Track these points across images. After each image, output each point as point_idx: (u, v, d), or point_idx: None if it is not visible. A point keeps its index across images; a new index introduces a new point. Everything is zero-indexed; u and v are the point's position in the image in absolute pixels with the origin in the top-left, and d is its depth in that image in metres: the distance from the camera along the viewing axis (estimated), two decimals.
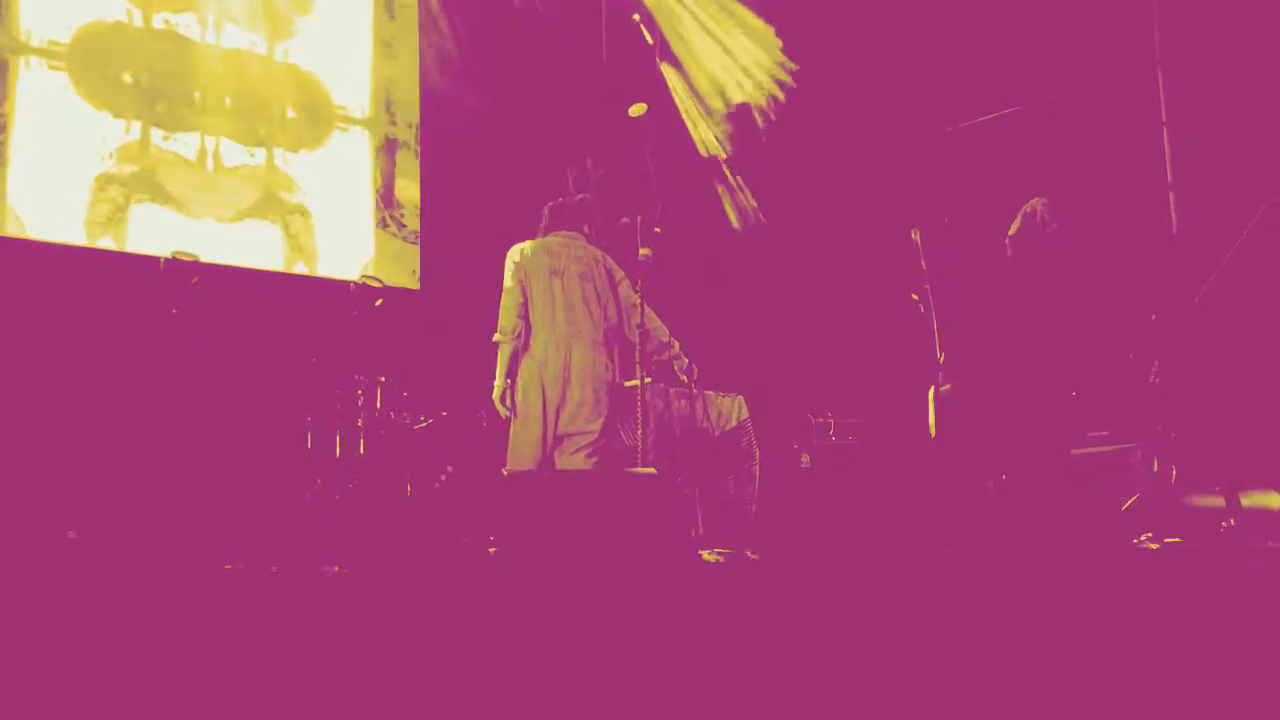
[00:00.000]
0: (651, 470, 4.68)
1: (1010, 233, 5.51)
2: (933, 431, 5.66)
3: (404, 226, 8.09)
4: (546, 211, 5.47)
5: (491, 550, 5.53)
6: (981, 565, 4.89)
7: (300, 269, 7.56)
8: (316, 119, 7.81)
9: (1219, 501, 5.38)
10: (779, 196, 8.60)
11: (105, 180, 6.86)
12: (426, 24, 8.36)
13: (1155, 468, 5.83)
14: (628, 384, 5.44)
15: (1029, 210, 5.50)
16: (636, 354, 5.21)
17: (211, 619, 3.64)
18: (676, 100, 8.83)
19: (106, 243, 6.82)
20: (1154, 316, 6.27)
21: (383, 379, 6.46)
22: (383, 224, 8.02)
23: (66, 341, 6.26)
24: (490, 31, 8.32)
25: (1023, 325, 5.38)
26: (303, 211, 7.63)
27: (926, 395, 5.75)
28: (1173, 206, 7.24)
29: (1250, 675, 2.61)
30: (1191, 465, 5.79)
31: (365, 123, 8.05)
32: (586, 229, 5.40)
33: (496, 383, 5.19)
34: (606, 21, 8.76)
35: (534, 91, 8.25)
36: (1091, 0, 7.44)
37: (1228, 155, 6.89)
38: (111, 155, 6.90)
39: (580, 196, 5.52)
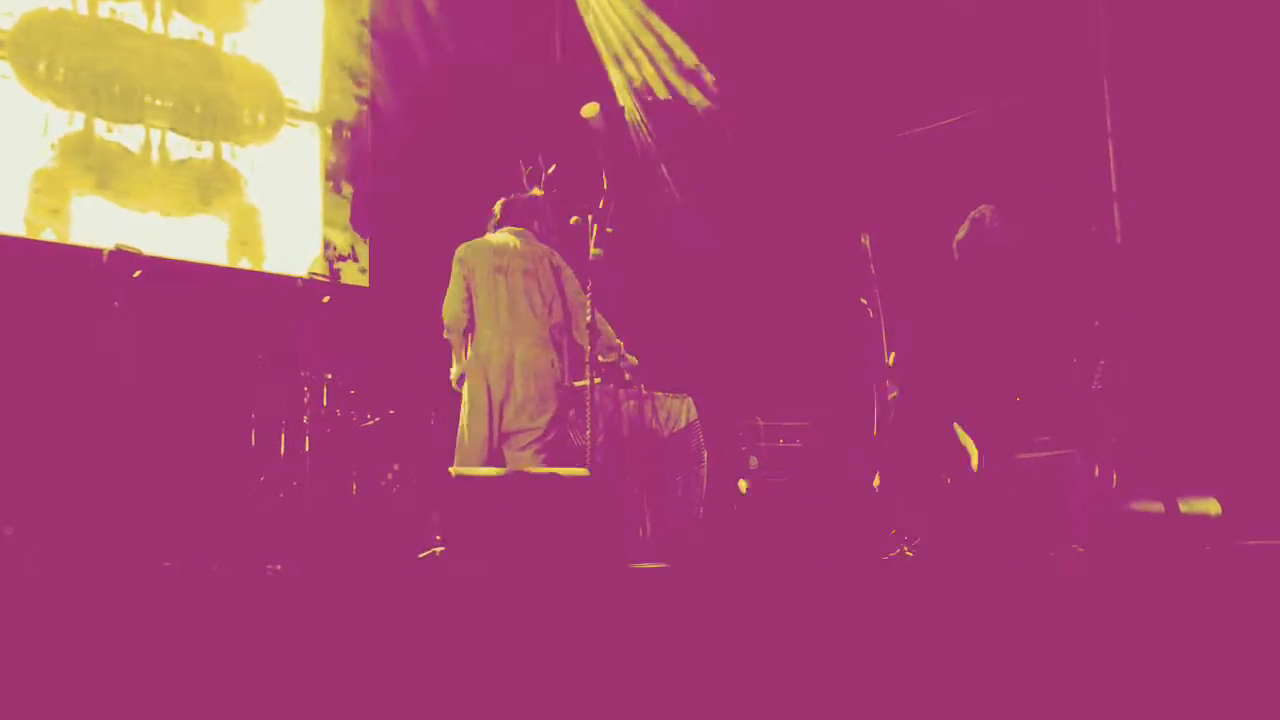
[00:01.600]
0: (583, 471, 4.70)
1: (957, 238, 5.56)
2: (875, 431, 5.70)
3: (352, 223, 8.02)
4: (497, 208, 5.45)
5: (423, 555, 5.50)
6: (928, 568, 4.93)
7: (246, 264, 7.48)
8: (266, 112, 7.73)
9: (1158, 508, 5.45)
10: (730, 200, 8.61)
11: (47, 171, 6.74)
12: (379, 19, 8.30)
13: (1096, 473, 5.89)
14: (577, 384, 5.43)
15: (976, 216, 5.56)
16: (586, 355, 5.21)
17: (149, 617, 3.59)
18: (621, 100, 8.84)
19: (48, 235, 6.70)
20: (1097, 323, 6.35)
21: (329, 376, 6.41)
22: (331, 220, 7.95)
23: (5, 335, 6.15)
24: (442, 29, 8.27)
25: (969, 329, 5.43)
26: (250, 206, 7.55)
27: (874, 399, 5.78)
28: (1116, 215, 7.33)
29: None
30: (1132, 471, 5.87)
31: (315, 116, 7.98)
32: (536, 225, 5.39)
33: (454, 368, 5.20)
34: (560, 18, 8.76)
35: (486, 88, 8.21)
36: (1039, 9, 7.51)
37: (1171, 165, 6.99)
38: (54, 146, 6.78)
39: (531, 193, 5.50)
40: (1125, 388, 6.12)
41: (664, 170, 8.74)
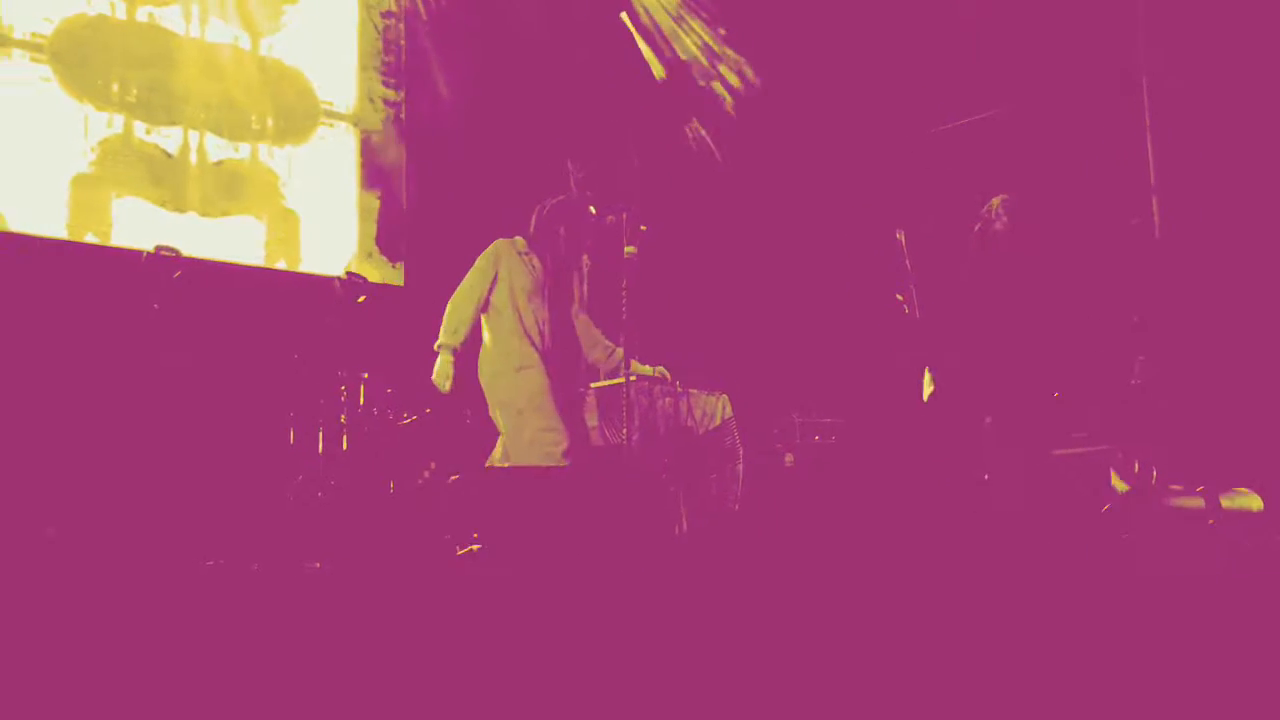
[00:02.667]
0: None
1: (974, 231, 5.57)
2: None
3: (387, 223, 8.07)
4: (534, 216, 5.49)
5: (461, 551, 5.53)
6: (963, 564, 4.90)
7: (283, 264, 7.54)
8: (301, 114, 7.78)
9: (1199, 503, 5.40)
10: (765, 196, 8.60)
11: (86, 174, 6.82)
12: (412, 21, 8.34)
13: (1136, 469, 5.85)
14: (595, 386, 5.45)
15: (986, 209, 5.56)
16: (610, 352, 5.27)
17: (192, 616, 3.62)
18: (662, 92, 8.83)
19: (88, 237, 6.78)
20: (1136, 318, 6.30)
21: (366, 375, 6.44)
22: (367, 219, 8.00)
23: (47, 336, 6.22)
24: (475, 28, 8.30)
25: (989, 323, 5.40)
26: (286, 207, 7.61)
27: (910, 395, 5.76)
28: (1155, 209, 7.26)
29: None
30: (1172, 467, 5.82)
31: (350, 117, 8.03)
32: (530, 230, 5.44)
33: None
34: (592, 18, 8.76)
35: (520, 89, 8.23)
36: (1076, 3, 7.45)
37: (1210, 159, 6.92)
38: (94, 149, 6.86)
39: (559, 198, 5.52)
40: (1165, 383, 6.07)
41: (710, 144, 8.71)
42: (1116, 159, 7.32)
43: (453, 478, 6.07)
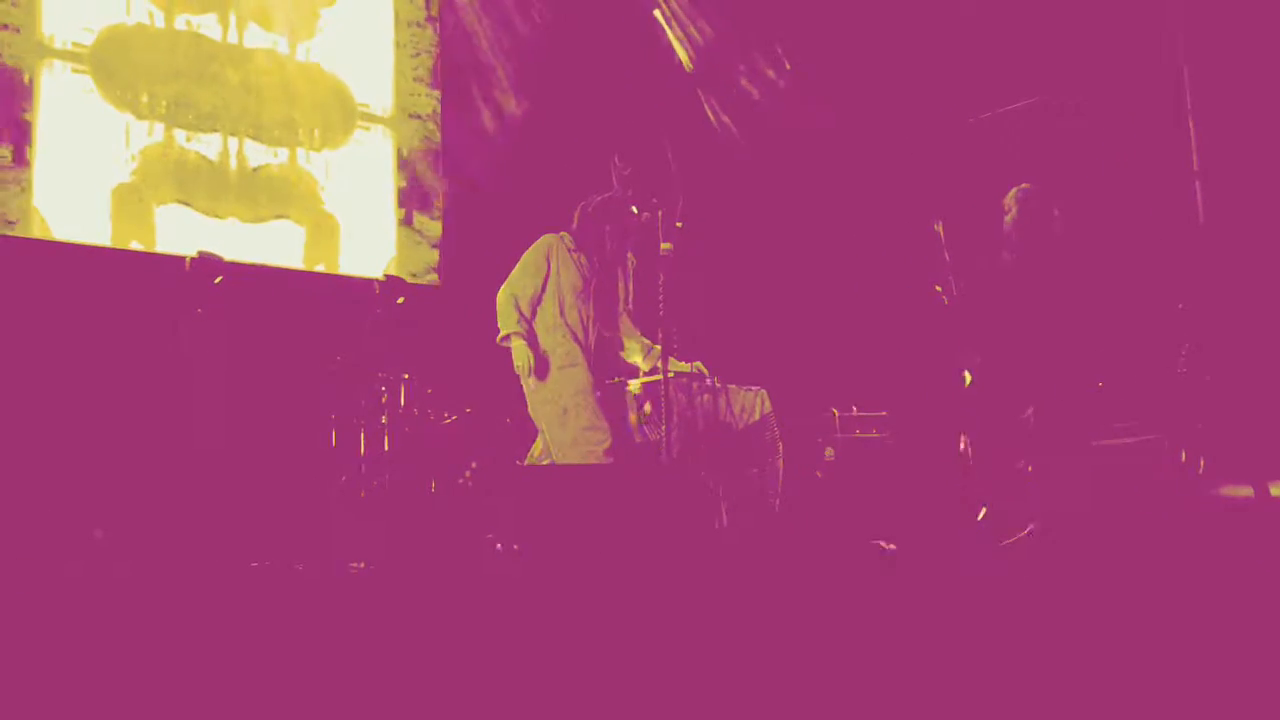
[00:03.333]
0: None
1: (1006, 222, 5.54)
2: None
3: (426, 224, 8.11)
4: (578, 213, 5.49)
5: (499, 547, 5.54)
6: (1004, 557, 4.86)
7: (323, 267, 7.60)
8: (339, 118, 7.84)
9: (1248, 492, 5.34)
10: (803, 188, 8.56)
11: (128, 183, 6.90)
12: (448, 21, 8.37)
13: (1183, 458, 5.78)
14: (633, 383, 5.45)
15: (1008, 200, 5.54)
16: (650, 350, 5.28)
17: (238, 616, 3.66)
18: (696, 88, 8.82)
19: (131, 244, 6.86)
20: (1180, 306, 6.22)
21: (406, 376, 6.47)
22: (405, 221, 8.04)
23: (92, 342, 6.31)
24: (512, 26, 8.32)
25: (1031, 315, 5.37)
26: (326, 210, 7.67)
27: (950, 387, 5.73)
28: (1199, 195, 7.17)
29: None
30: (1220, 455, 5.74)
31: (387, 121, 8.08)
32: (573, 225, 5.43)
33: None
34: (628, 17, 8.76)
35: (557, 86, 8.25)
36: None
37: (1253, 144, 6.83)
38: (135, 157, 6.94)
39: (604, 196, 5.51)
40: (1211, 371, 6.00)
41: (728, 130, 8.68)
42: (1158, 146, 7.23)
43: (472, 465, 6.09)
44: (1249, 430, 6.04)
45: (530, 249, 5.37)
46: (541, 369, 5.22)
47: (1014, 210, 5.52)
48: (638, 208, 5.33)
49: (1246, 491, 5.32)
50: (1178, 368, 6.02)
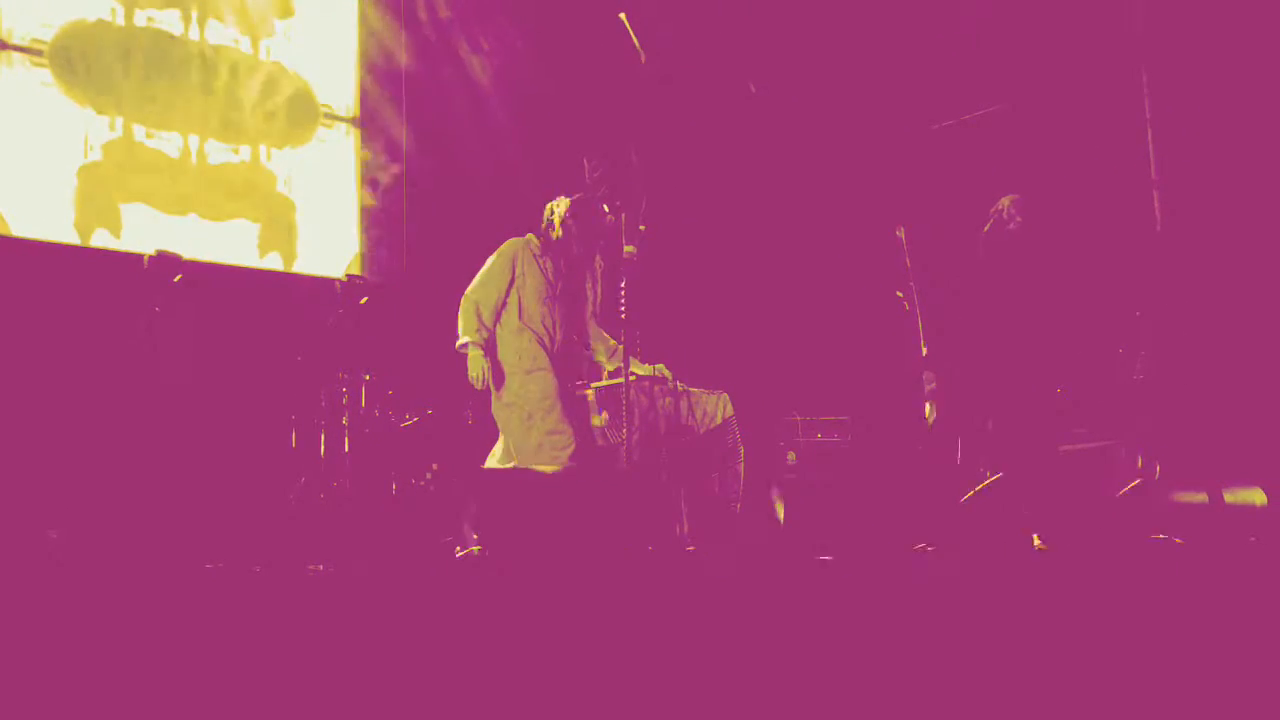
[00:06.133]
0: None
1: (984, 231, 5.57)
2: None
3: (388, 223, 8.07)
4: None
5: (460, 551, 5.52)
6: (967, 563, 4.90)
7: (284, 267, 7.54)
8: (301, 116, 7.79)
9: (1202, 498, 5.40)
10: (765, 194, 8.59)
11: (88, 177, 6.83)
12: (411, 19, 8.33)
13: (1140, 464, 5.85)
14: (595, 385, 5.44)
15: (996, 208, 5.56)
16: (614, 351, 5.27)
17: (194, 619, 3.62)
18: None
19: (91, 240, 6.79)
20: (1138, 313, 6.29)
21: (367, 377, 6.45)
22: (367, 220, 8.00)
23: (49, 340, 6.23)
24: (473, 28, 8.30)
25: (998, 322, 5.41)
26: (287, 209, 7.61)
27: (911, 392, 5.77)
28: (1157, 204, 7.25)
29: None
30: (1176, 462, 5.81)
31: (350, 119, 8.03)
32: (542, 228, 5.42)
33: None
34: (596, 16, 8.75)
35: (520, 85, 8.24)
36: None
37: (1210, 152, 6.92)
38: (94, 152, 6.86)
39: (572, 198, 5.50)
40: (1168, 377, 6.06)
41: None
42: (1117, 154, 7.31)
43: (433, 467, 6.07)
44: (1204, 437, 6.11)
45: (495, 254, 5.34)
46: (498, 379, 5.20)
47: (1017, 219, 5.54)
48: (607, 207, 5.34)
49: (1201, 498, 5.39)
50: (1134, 374, 6.09)
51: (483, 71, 8.26)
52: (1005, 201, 5.56)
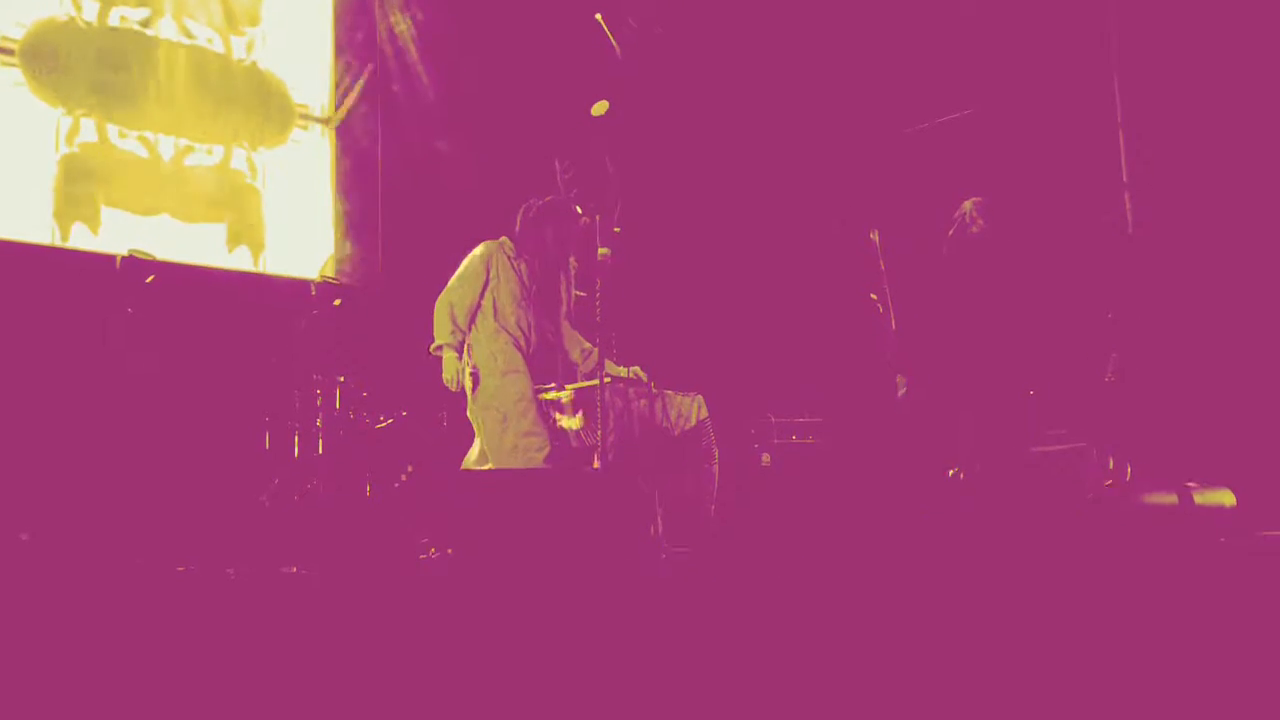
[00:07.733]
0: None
1: (948, 235, 5.61)
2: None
3: (363, 225, 8.05)
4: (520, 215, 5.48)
5: (433, 552, 5.52)
6: (939, 563, 4.92)
7: (258, 268, 7.51)
8: (276, 116, 7.75)
9: (1172, 499, 5.44)
10: (739, 196, 8.61)
11: (60, 177, 6.77)
12: (386, 22, 8.31)
13: (1110, 465, 5.89)
14: (570, 387, 5.45)
15: (959, 212, 5.60)
16: (589, 354, 5.27)
17: (167, 621, 3.61)
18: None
19: (63, 239, 6.74)
20: (1110, 315, 6.34)
21: (342, 379, 6.42)
22: (342, 222, 7.97)
23: (19, 341, 6.18)
24: (449, 30, 8.29)
25: (964, 325, 5.44)
26: (261, 210, 7.58)
27: (885, 393, 5.79)
28: (1128, 206, 7.31)
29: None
30: (1146, 463, 5.86)
31: (324, 120, 8.00)
32: (516, 231, 5.43)
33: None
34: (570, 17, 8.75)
35: (495, 87, 8.23)
36: (1048, 2, 7.50)
37: (1182, 155, 6.98)
38: (66, 152, 6.81)
39: (545, 200, 5.51)
40: (1139, 379, 6.11)
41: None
42: (1089, 157, 7.36)
43: (408, 468, 6.06)
44: (1175, 439, 6.16)
45: (469, 257, 5.35)
46: (473, 381, 5.21)
47: (979, 222, 5.57)
48: (581, 209, 5.35)
49: (1171, 499, 5.43)
50: (1105, 376, 6.14)
51: (457, 73, 8.25)
52: (968, 205, 5.59)
